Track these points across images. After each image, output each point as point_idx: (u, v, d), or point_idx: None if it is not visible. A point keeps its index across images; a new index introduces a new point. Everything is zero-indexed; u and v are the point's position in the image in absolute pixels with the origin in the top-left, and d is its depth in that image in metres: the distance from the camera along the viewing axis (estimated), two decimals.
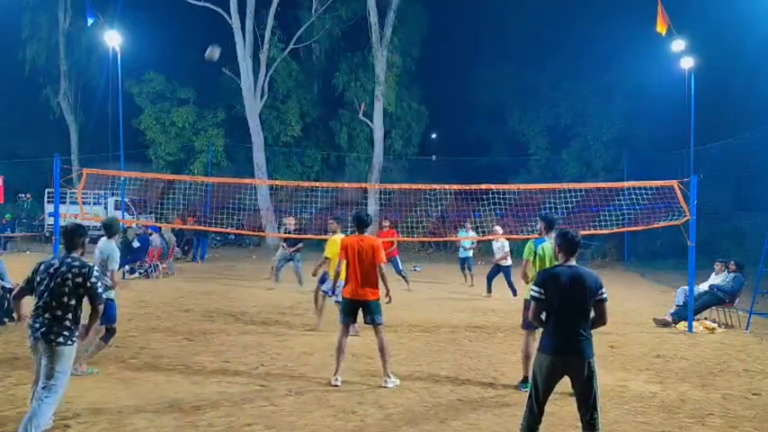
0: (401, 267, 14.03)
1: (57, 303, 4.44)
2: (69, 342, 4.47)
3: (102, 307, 4.59)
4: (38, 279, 4.55)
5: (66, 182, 13.80)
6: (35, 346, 4.50)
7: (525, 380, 6.28)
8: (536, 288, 4.27)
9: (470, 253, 14.65)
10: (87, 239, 4.84)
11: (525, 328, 6.51)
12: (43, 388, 4.41)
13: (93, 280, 4.51)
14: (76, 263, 4.54)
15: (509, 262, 12.78)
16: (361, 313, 6.39)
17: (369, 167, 27.17)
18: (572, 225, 12.81)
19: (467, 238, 14.38)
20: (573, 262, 4.34)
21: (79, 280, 4.46)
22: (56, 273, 4.48)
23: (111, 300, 6.41)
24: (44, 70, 29.24)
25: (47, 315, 4.44)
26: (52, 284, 4.45)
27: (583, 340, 4.15)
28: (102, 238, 6.66)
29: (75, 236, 4.69)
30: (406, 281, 13.88)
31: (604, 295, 4.22)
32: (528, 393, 4.31)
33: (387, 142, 27.66)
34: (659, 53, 19.44)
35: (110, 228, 6.70)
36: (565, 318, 4.17)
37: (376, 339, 6.34)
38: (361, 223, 6.38)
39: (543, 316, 4.32)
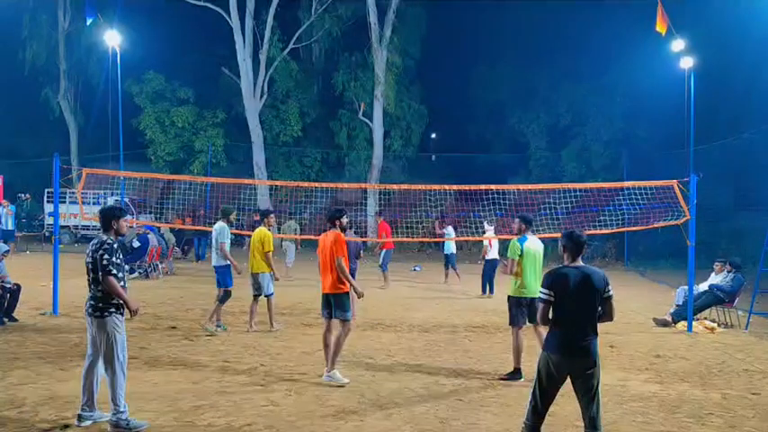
0: (384, 262, 13.89)
1: (94, 281, 4.91)
2: (107, 314, 4.88)
3: (108, 278, 4.82)
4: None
5: (66, 182, 13.77)
6: (89, 322, 4.96)
7: (516, 371, 6.47)
8: (544, 290, 4.26)
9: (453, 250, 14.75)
10: (124, 220, 5.18)
11: (512, 325, 6.63)
12: (105, 363, 4.89)
13: (101, 252, 4.86)
14: (97, 241, 4.98)
15: (491, 256, 12.79)
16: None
17: (368, 167, 27.15)
18: (572, 225, 12.82)
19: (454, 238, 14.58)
20: (580, 262, 4.34)
21: (97, 255, 4.86)
22: (89, 253, 4.97)
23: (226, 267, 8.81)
24: (44, 70, 29.17)
25: (91, 291, 4.96)
26: (89, 264, 4.95)
27: (590, 340, 4.16)
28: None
29: (106, 217, 5.09)
30: (385, 277, 13.84)
31: (611, 292, 4.25)
32: (531, 392, 4.31)
33: (386, 142, 27.64)
34: (659, 53, 19.41)
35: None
36: (573, 318, 4.18)
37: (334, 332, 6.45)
38: (329, 218, 6.63)
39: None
